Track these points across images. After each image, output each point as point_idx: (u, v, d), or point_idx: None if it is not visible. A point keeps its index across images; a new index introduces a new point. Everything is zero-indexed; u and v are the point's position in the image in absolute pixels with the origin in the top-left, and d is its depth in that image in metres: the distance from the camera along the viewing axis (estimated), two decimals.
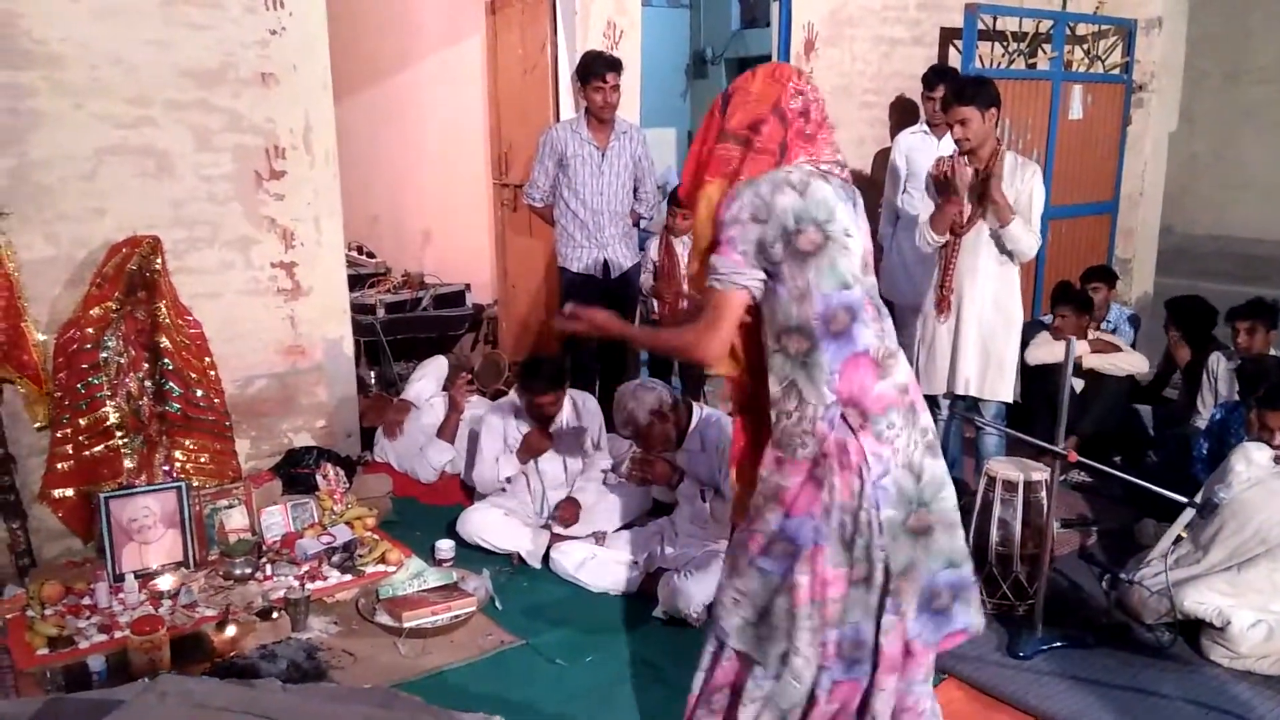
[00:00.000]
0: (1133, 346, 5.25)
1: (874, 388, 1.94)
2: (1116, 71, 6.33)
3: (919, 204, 4.57)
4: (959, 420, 3.99)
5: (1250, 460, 3.17)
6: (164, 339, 3.64)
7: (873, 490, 1.90)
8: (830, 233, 1.92)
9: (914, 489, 1.95)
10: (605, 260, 4.69)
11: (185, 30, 3.72)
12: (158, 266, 3.63)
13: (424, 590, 3.32)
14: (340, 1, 6.28)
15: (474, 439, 4.15)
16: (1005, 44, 5.88)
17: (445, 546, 3.63)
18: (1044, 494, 3.20)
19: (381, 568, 3.51)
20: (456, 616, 3.18)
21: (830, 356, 1.93)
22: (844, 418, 1.92)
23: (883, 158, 5.58)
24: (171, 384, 3.66)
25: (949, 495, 2.02)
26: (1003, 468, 3.35)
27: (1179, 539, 3.02)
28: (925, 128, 5.13)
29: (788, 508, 1.96)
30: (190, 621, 3.13)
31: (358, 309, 5.47)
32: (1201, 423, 4.19)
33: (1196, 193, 9.71)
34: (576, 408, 4.07)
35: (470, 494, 4.19)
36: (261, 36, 3.88)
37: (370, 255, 6.85)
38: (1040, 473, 3.28)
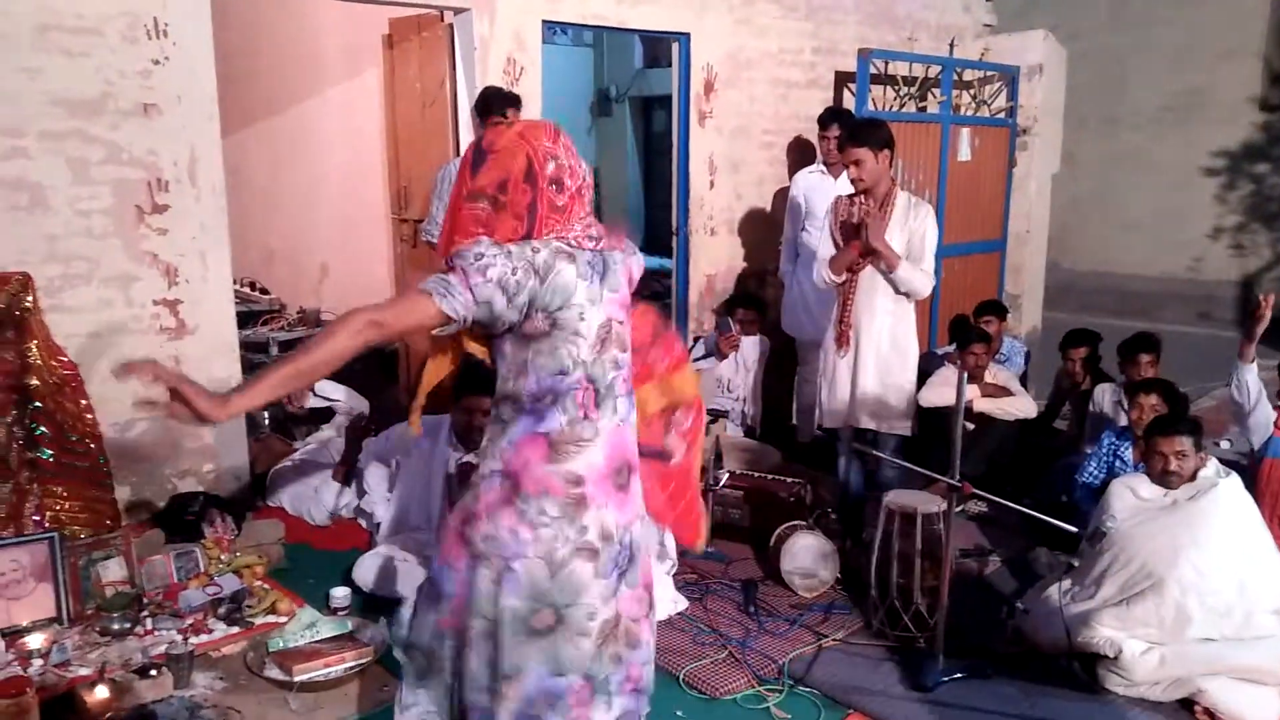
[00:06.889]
0: (1023, 378, 5.42)
1: (537, 469, 1.92)
2: (1002, 115, 6.59)
3: (817, 241, 4.65)
4: (860, 454, 4.04)
5: (1136, 493, 3.27)
6: (34, 380, 3.45)
7: (503, 567, 1.91)
8: (560, 320, 1.89)
9: (546, 585, 1.91)
10: None
11: (60, 58, 3.57)
12: (28, 304, 3.45)
13: (317, 641, 3.17)
14: (237, 32, 6.17)
15: (395, 475, 4.01)
16: (896, 88, 6.06)
17: (340, 594, 3.48)
18: (941, 525, 3.25)
19: (272, 618, 3.36)
20: (351, 668, 3.04)
21: (518, 429, 1.94)
22: (500, 486, 1.93)
23: (782, 196, 5.68)
24: (43, 428, 3.46)
25: (586, 606, 1.95)
26: (901, 500, 3.39)
27: (1070, 569, 3.08)
28: (823, 167, 5.25)
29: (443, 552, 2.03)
30: (62, 682, 2.93)
31: (249, 347, 5.29)
32: (1089, 454, 4.32)
33: (1080, 231, 10.15)
34: None
35: (369, 538, 4.05)
36: (143, 66, 3.75)
37: (264, 291, 6.67)
38: (937, 505, 3.33)
